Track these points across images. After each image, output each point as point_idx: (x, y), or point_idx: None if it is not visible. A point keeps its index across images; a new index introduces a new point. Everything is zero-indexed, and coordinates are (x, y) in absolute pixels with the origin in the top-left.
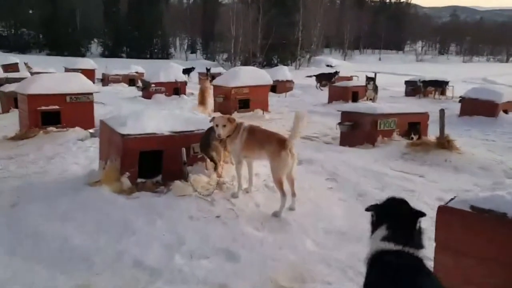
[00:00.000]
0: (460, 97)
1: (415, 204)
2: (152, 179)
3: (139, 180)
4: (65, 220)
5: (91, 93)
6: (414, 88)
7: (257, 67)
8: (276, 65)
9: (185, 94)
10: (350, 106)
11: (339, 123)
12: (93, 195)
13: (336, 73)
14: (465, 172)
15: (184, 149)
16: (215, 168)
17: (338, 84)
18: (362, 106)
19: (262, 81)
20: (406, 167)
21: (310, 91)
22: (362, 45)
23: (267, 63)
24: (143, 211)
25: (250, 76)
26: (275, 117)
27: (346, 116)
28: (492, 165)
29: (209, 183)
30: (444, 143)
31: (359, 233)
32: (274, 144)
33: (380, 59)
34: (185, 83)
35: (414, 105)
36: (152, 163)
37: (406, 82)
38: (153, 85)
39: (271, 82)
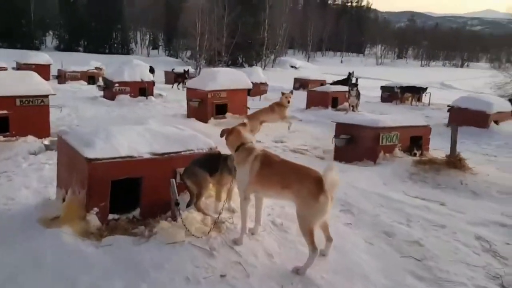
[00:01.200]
0: (448, 106)
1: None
2: (128, 214)
3: (110, 216)
4: None
5: (47, 96)
6: (391, 94)
7: (221, 66)
8: (242, 65)
9: (152, 95)
10: (347, 117)
11: (335, 136)
12: (49, 243)
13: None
14: (485, 197)
15: (174, 181)
16: (193, 203)
17: (317, 88)
18: (361, 117)
19: (240, 84)
20: (420, 192)
21: None
22: (324, 47)
23: (232, 63)
24: (119, 270)
25: (228, 78)
26: None
27: (342, 128)
28: (511, 188)
29: (203, 222)
30: (455, 162)
31: None
32: (307, 184)
33: (342, 61)
34: (152, 83)
35: (408, 115)
36: (126, 192)
37: (383, 88)
38: (116, 85)
39: (250, 86)
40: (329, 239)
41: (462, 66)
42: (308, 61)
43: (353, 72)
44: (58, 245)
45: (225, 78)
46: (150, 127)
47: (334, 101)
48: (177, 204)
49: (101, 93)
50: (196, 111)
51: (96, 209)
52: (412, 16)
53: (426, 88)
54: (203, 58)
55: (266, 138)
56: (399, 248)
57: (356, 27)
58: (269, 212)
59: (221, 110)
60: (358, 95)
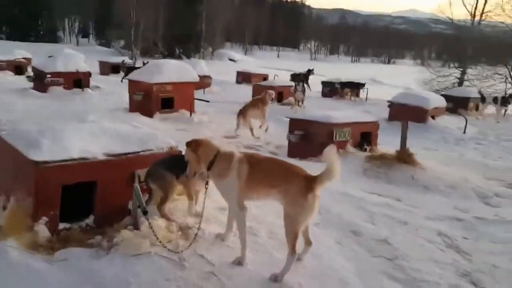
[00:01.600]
0: (388, 101)
1: None
2: (80, 222)
3: (61, 225)
4: None
5: None
6: (331, 89)
7: (158, 58)
8: (179, 57)
9: (89, 87)
10: (302, 114)
11: (290, 132)
12: None
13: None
14: (436, 192)
15: (138, 187)
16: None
17: (262, 83)
18: (314, 114)
19: (187, 77)
20: (376, 188)
21: (229, 87)
22: (261, 41)
23: (170, 54)
24: None
25: (174, 71)
26: (204, 120)
27: (296, 124)
28: (459, 183)
29: (169, 229)
30: (405, 158)
31: None
32: (296, 183)
33: (278, 56)
34: (88, 74)
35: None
36: (76, 198)
37: (323, 83)
38: (48, 76)
39: (197, 79)
40: (308, 242)
41: (389, 62)
42: (245, 54)
43: (313, 69)
44: (3, 261)
45: (171, 70)
46: (103, 125)
47: (279, 96)
48: (146, 212)
49: (31, 84)
50: (140, 105)
51: (45, 218)
52: (343, 14)
53: (364, 84)
54: (138, 48)
55: (215, 133)
56: (369, 247)
57: (291, 22)
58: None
59: (167, 104)
60: (303, 90)
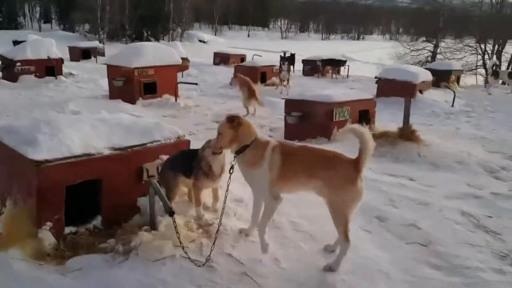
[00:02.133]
0: (375, 77)
1: None
2: (87, 224)
3: (66, 229)
4: None
5: None
6: (313, 67)
7: (126, 41)
8: (148, 39)
9: (62, 74)
10: (298, 94)
11: (286, 114)
12: None
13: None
14: (444, 168)
15: (156, 183)
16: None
17: (245, 63)
18: (312, 93)
19: (169, 59)
20: (385, 167)
21: (207, 70)
22: (230, 21)
23: (137, 37)
24: None
25: (155, 53)
26: (190, 104)
27: (293, 105)
28: (465, 158)
29: (188, 227)
30: (408, 134)
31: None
32: (340, 170)
33: (248, 35)
34: (61, 60)
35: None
36: (80, 198)
37: (304, 62)
38: (18, 64)
39: (179, 61)
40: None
41: (358, 38)
42: (215, 35)
43: (291, 53)
44: (7, 275)
45: (152, 53)
46: (103, 117)
47: (262, 76)
48: (172, 213)
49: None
50: (120, 91)
51: (49, 223)
52: None
53: (345, 61)
54: (104, 32)
55: (204, 118)
56: (399, 234)
57: (260, 1)
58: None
59: (149, 89)
60: (289, 70)
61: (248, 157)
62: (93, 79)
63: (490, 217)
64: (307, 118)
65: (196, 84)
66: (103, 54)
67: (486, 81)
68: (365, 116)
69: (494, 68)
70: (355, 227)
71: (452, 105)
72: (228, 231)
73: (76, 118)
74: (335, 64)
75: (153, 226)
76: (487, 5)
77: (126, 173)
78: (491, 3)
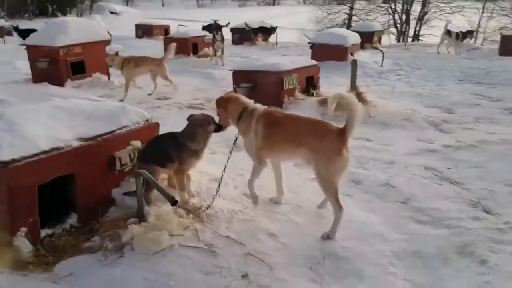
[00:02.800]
0: (309, 43)
1: None
2: (62, 224)
3: (42, 233)
4: None
5: None
6: (242, 36)
7: (29, 18)
8: (54, 15)
9: None
10: (246, 64)
11: (236, 86)
12: None
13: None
14: (395, 127)
15: (146, 172)
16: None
17: (174, 35)
18: (259, 63)
19: (96, 35)
20: None
21: (132, 43)
22: None
23: (41, 13)
24: None
25: (79, 30)
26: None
27: (241, 76)
28: (410, 115)
29: (178, 213)
30: (356, 97)
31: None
32: (327, 139)
33: (163, 4)
34: None
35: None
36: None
37: (232, 30)
38: None
39: (108, 37)
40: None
41: (273, 4)
42: (127, 5)
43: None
44: None
45: (76, 29)
46: (59, 104)
47: (194, 48)
48: (175, 202)
49: None
50: (45, 73)
51: (24, 228)
52: None
53: (276, 28)
54: (5, 9)
55: (145, 96)
56: (377, 194)
57: None
58: (234, 185)
59: (78, 69)
60: (222, 39)
61: (240, 126)
62: (8, 62)
63: (449, 168)
64: (257, 89)
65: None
66: (11, 34)
67: (447, 42)
68: (311, 82)
69: (448, 27)
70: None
71: (382, 65)
72: (218, 213)
73: (29, 108)
74: (266, 32)
75: (141, 218)
76: None
77: (98, 164)
78: None
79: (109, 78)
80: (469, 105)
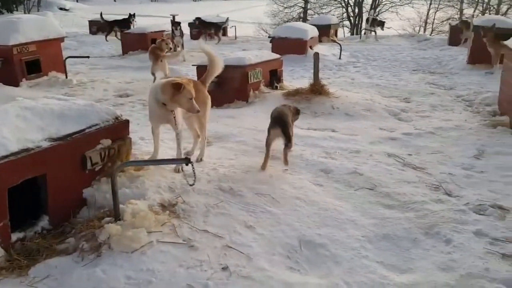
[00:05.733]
0: (269, 37)
1: None
2: (34, 227)
3: (13, 237)
4: None
5: None
6: (199, 30)
7: None
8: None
9: None
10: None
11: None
12: None
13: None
14: (357, 117)
15: (118, 167)
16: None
17: (133, 31)
18: (224, 58)
19: (51, 33)
20: (309, 123)
21: (86, 40)
22: None
23: None
24: None
25: (33, 27)
26: (84, 80)
27: (205, 71)
28: (371, 105)
29: (153, 210)
30: (319, 89)
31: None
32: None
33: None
34: None
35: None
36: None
37: (190, 25)
38: None
39: (63, 33)
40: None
41: None
42: (77, 1)
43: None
44: None
45: (30, 27)
46: (27, 105)
47: (153, 43)
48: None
49: None
50: (0, 73)
51: None
52: None
53: (227, 19)
54: None
55: (105, 93)
56: (346, 182)
57: None
58: (208, 179)
59: (33, 68)
60: (182, 34)
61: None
62: None
63: (410, 155)
64: (223, 83)
65: (88, 57)
66: None
67: (371, 31)
68: (275, 75)
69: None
70: (308, 184)
71: (340, 58)
72: (194, 208)
73: None
74: (215, 26)
75: (117, 216)
76: None
77: (70, 164)
78: None
79: (66, 77)
80: (424, 94)
